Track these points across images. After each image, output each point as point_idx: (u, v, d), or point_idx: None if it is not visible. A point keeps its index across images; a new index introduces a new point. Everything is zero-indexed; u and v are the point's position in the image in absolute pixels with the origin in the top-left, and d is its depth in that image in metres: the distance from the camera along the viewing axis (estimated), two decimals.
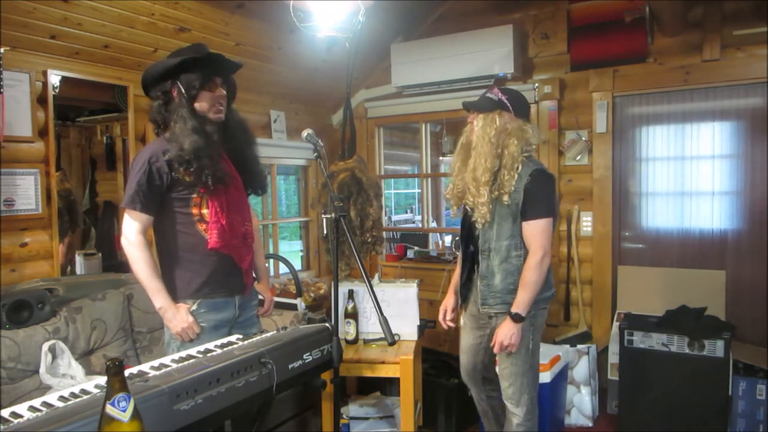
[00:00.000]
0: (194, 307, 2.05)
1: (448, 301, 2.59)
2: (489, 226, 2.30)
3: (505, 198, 2.24)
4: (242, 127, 2.21)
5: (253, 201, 2.33)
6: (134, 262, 1.99)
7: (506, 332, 2.24)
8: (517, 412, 2.37)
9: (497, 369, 2.42)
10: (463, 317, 2.56)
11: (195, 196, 2.03)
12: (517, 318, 2.23)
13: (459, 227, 2.52)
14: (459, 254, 2.57)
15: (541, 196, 2.24)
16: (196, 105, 2.03)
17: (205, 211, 2.04)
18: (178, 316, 2.01)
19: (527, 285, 2.24)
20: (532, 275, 2.23)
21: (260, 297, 2.39)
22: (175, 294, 2.05)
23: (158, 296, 2.00)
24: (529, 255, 2.26)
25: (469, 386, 2.61)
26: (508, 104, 2.29)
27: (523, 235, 2.28)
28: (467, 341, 2.53)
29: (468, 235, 2.43)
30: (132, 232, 1.98)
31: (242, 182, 2.21)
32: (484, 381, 2.55)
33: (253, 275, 2.30)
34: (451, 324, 2.58)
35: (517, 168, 2.24)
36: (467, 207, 2.36)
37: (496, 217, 2.28)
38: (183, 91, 1.99)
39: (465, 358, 2.56)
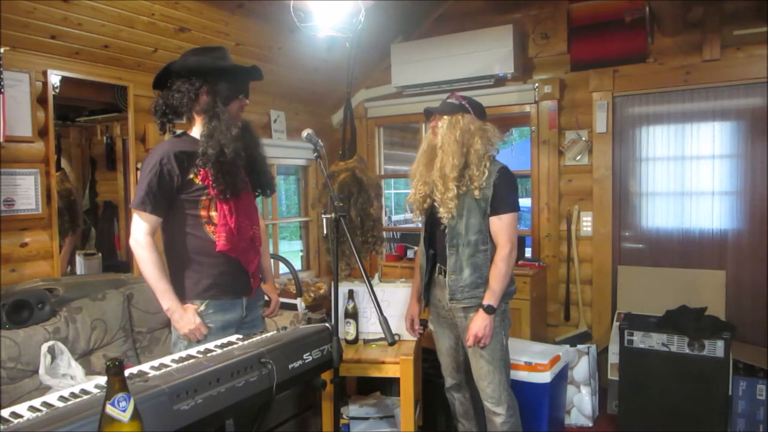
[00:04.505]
0: (202, 308, 2.05)
1: (414, 310, 2.68)
2: (457, 221, 2.37)
3: (476, 192, 2.33)
4: (248, 128, 2.22)
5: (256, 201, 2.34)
6: (142, 263, 1.99)
7: (480, 324, 2.31)
8: (498, 411, 2.41)
9: (473, 370, 2.46)
10: (431, 323, 2.62)
11: (204, 198, 2.03)
12: (489, 310, 2.31)
13: None
14: (417, 259, 2.66)
15: (509, 191, 2.37)
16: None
17: (213, 213, 2.04)
18: (185, 317, 2.01)
19: (498, 277, 2.32)
20: (502, 267, 2.32)
21: (266, 298, 2.40)
22: (182, 295, 2.05)
23: (166, 297, 2.00)
24: (498, 248, 2.35)
25: (452, 388, 2.65)
26: (469, 107, 2.41)
27: (491, 229, 2.37)
28: (443, 344, 2.59)
29: (429, 237, 2.52)
30: (141, 233, 1.98)
31: (250, 184, 2.21)
32: (468, 379, 2.58)
33: (260, 276, 2.30)
34: (421, 332, 2.71)
35: (486, 165, 2.35)
36: (435, 204, 2.41)
37: (465, 212, 2.36)
38: (221, 95, 2.02)
39: (447, 361, 2.62)
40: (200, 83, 2.02)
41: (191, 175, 2.01)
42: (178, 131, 2.18)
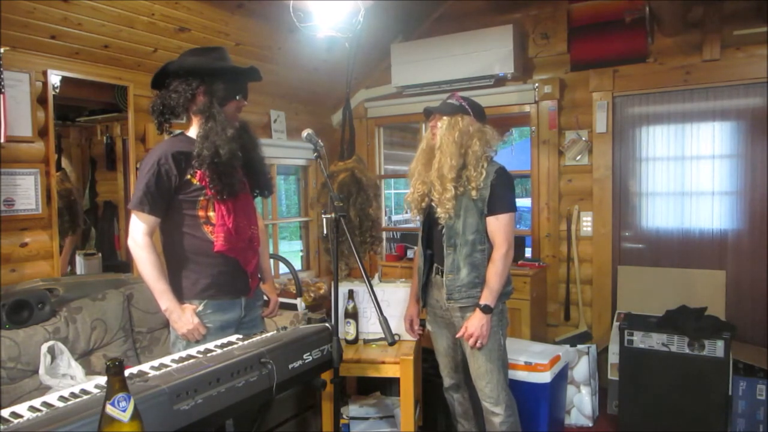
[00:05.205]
0: (200, 308, 2.05)
1: (412, 311, 2.68)
2: (455, 221, 2.38)
3: (474, 193, 2.34)
4: (246, 129, 2.21)
5: (255, 201, 2.34)
6: (140, 263, 1.99)
7: (476, 323, 2.32)
8: (497, 411, 2.41)
9: (471, 370, 2.47)
10: (428, 323, 2.62)
11: (202, 198, 2.03)
12: (486, 309, 2.32)
13: None
14: (415, 260, 2.67)
15: (506, 192, 2.37)
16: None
17: (211, 213, 2.04)
18: (183, 318, 2.01)
19: (494, 277, 2.33)
20: (499, 267, 2.33)
21: (265, 298, 2.40)
22: (181, 295, 2.05)
23: (164, 298, 2.00)
24: (495, 248, 2.36)
25: (450, 388, 2.66)
26: (468, 108, 2.42)
27: (488, 229, 2.38)
28: (441, 344, 2.60)
29: (427, 237, 2.53)
30: (139, 233, 1.98)
31: (249, 185, 2.21)
32: (467, 379, 2.58)
33: (259, 276, 2.30)
34: (420, 332, 2.71)
35: (483, 165, 2.36)
36: (432, 204, 2.42)
37: (462, 212, 2.37)
38: (218, 96, 2.02)
39: (445, 361, 2.62)
40: (197, 84, 2.02)
41: (189, 176, 2.01)
42: (176, 131, 2.18)
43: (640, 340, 3.11)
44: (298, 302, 3.41)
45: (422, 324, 2.72)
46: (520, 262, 3.87)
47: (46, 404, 1.26)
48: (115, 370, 1.07)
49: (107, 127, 3.16)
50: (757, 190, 3.45)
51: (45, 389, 2.20)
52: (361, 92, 4.64)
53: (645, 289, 3.68)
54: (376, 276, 3.59)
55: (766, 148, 3.40)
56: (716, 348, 2.93)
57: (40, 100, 2.67)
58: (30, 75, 2.58)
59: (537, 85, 3.95)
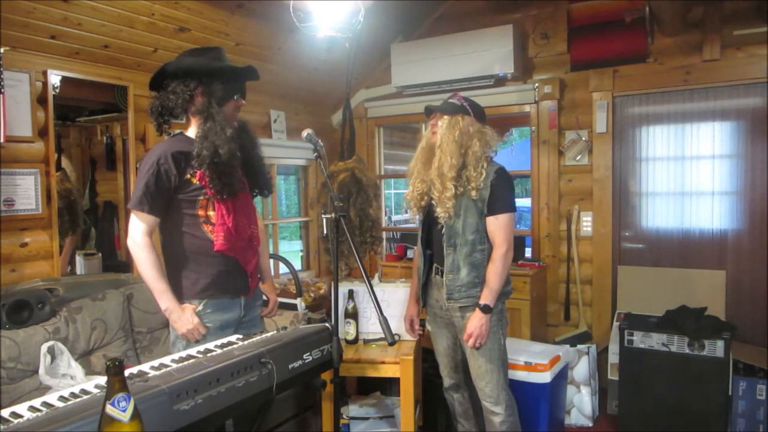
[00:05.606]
0: (200, 308, 2.05)
1: (412, 311, 2.69)
2: (455, 221, 2.39)
3: (473, 193, 2.35)
4: (245, 128, 2.21)
5: (255, 201, 2.34)
6: (140, 263, 1.99)
7: (476, 323, 2.33)
8: (497, 410, 2.41)
9: (471, 370, 2.47)
10: (428, 323, 2.63)
11: (201, 198, 2.03)
12: (485, 309, 2.33)
13: None
14: (415, 260, 2.67)
15: (505, 192, 2.38)
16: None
17: (211, 212, 2.04)
18: (183, 318, 2.01)
19: (494, 276, 2.34)
20: (499, 267, 2.34)
21: (264, 298, 2.40)
22: (180, 294, 2.05)
23: (164, 297, 2.01)
24: (495, 248, 2.37)
25: (450, 388, 2.66)
26: (469, 109, 2.43)
27: (488, 229, 2.39)
28: (441, 344, 2.60)
29: (427, 238, 2.53)
30: (138, 233, 1.98)
31: (248, 184, 2.21)
32: (467, 378, 2.59)
33: (258, 275, 2.30)
34: (420, 332, 2.72)
35: (483, 166, 2.37)
36: (432, 203, 2.43)
37: (462, 212, 2.38)
38: (216, 96, 2.03)
39: (445, 361, 2.62)
40: (195, 84, 2.02)
41: (188, 175, 2.01)
42: (176, 131, 2.18)
43: (640, 340, 3.11)
44: (298, 302, 3.41)
45: (422, 324, 2.73)
46: (520, 262, 3.87)
47: (46, 404, 1.26)
48: (115, 370, 1.07)
49: (107, 127, 3.16)
50: (757, 190, 3.45)
51: (45, 389, 2.20)
52: (361, 92, 4.64)
53: (645, 289, 3.68)
54: (376, 276, 3.59)
55: (766, 148, 3.40)
56: (716, 348, 2.93)
57: (40, 100, 2.67)
58: (30, 75, 2.58)
59: (537, 85, 3.95)
